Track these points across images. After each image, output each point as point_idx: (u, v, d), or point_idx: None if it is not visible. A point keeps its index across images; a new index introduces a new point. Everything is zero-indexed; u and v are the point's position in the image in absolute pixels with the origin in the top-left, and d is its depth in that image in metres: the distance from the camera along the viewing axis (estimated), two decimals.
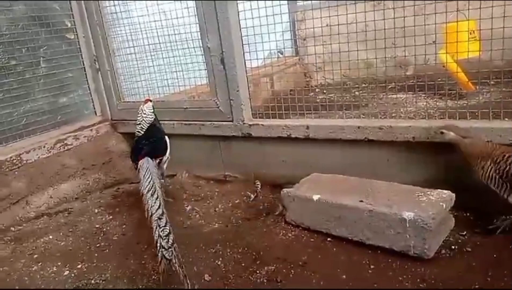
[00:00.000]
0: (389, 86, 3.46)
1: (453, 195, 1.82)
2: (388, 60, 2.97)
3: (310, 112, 2.56)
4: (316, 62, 3.92)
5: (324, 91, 4.06)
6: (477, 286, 1.54)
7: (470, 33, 3.09)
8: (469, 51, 2.91)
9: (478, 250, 1.73)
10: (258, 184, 2.62)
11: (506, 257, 1.68)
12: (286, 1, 4.26)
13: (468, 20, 2.96)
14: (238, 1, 2.49)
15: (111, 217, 2.52)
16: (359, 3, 2.62)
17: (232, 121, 2.60)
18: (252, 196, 2.54)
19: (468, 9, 2.28)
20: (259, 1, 2.54)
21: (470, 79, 3.23)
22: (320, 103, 3.18)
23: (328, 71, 3.92)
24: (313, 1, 3.92)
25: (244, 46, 2.54)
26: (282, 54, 4.58)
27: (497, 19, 2.11)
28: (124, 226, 2.38)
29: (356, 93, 3.93)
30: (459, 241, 1.82)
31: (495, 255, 1.69)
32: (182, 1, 2.71)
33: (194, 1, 2.56)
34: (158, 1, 2.82)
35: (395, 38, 2.48)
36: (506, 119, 2.00)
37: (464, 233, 1.87)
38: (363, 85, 3.88)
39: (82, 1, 2.98)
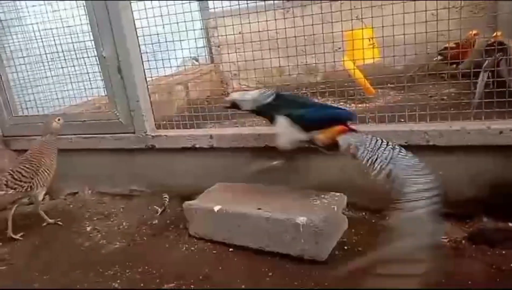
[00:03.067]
0: (300, 92, 3.56)
1: (345, 197, 1.89)
2: (299, 67, 3.06)
3: (218, 121, 2.53)
4: (231, 70, 3.94)
5: None
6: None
7: (369, 40, 3.28)
8: (367, 58, 3.09)
9: (369, 249, 1.80)
10: (165, 197, 2.53)
11: None
12: (198, 8, 4.22)
13: (365, 28, 3.15)
14: (135, 9, 2.40)
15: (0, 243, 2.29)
16: (269, 11, 2.66)
17: (134, 133, 2.49)
18: (160, 210, 2.45)
19: (367, 17, 2.39)
20: None
21: (371, 83, 3.42)
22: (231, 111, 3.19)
23: (244, 78, 3.98)
24: (224, 7, 3.95)
25: (156, 53, 2.45)
26: (197, 61, 4.54)
27: (392, 27, 2.24)
28: (13, 253, 2.17)
29: None
30: (353, 241, 1.88)
31: None
32: (76, 8, 2.56)
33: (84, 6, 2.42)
34: (52, 6, 2.64)
35: (305, 45, 2.55)
36: (402, 120, 2.11)
37: (357, 233, 1.94)
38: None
39: None
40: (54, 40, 2.75)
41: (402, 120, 2.12)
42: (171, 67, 3.16)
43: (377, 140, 1.69)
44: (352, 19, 2.52)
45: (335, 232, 1.82)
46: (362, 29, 3.11)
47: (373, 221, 2.04)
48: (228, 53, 3.99)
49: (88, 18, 2.40)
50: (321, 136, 1.85)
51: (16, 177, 2.23)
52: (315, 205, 1.80)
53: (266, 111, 2.00)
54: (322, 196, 1.88)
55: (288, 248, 1.76)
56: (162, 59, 2.58)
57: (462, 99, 2.28)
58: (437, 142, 1.92)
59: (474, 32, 3.01)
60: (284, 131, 1.91)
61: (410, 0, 2.21)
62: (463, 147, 1.90)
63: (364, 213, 2.12)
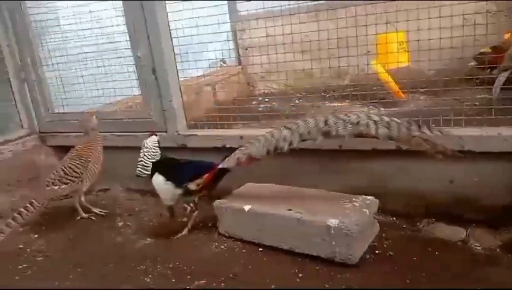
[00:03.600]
0: (328, 95, 3.55)
1: (377, 201, 1.88)
2: (327, 70, 3.06)
3: (248, 122, 2.56)
4: (258, 72, 3.97)
5: (266, 100, 4.11)
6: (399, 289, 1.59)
7: (400, 44, 3.25)
8: (399, 61, 3.07)
9: (400, 254, 1.79)
10: None
11: (426, 259, 1.75)
12: (227, 11, 4.27)
13: (398, 32, 3.12)
14: (174, 8, 2.46)
15: (36, 235, 2.37)
16: (298, 14, 2.67)
17: (166, 132, 2.54)
18: (189, 208, 2.49)
19: (399, 21, 2.38)
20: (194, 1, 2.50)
21: (401, 87, 3.39)
22: (261, 113, 3.21)
23: (271, 80, 4.01)
24: (253, 10, 3.98)
25: (184, 55, 2.50)
26: (225, 63, 4.59)
27: (424, 31, 2.23)
28: (50, 245, 2.25)
29: (296, 101, 4.00)
30: (384, 245, 1.87)
31: (415, 258, 1.76)
32: (112, 8, 2.64)
33: (122, 7, 2.49)
34: (87, 1, 2.72)
35: (332, 48, 2.55)
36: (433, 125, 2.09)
37: (389, 238, 1.93)
38: (304, 94, 3.96)
39: (6, 10, 2.81)
40: (90, 40, 2.85)
41: (434, 125, 2.09)
42: (197, 68, 3.21)
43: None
44: (387, 23, 2.52)
45: (367, 235, 1.81)
46: (396, 32, 3.09)
47: (404, 226, 2.02)
48: (255, 56, 4.03)
49: (124, 19, 2.47)
50: (193, 185, 2.06)
51: (68, 172, 2.35)
52: (346, 208, 1.80)
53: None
54: (353, 199, 1.87)
55: (318, 249, 1.76)
56: (191, 61, 2.63)
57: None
58: (473, 148, 1.89)
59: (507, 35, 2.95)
60: (161, 188, 2.13)
61: None
62: (499, 154, 1.87)
63: (394, 218, 2.10)
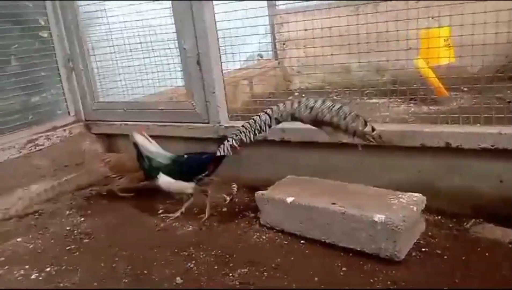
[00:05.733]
0: (366, 91, 3.50)
1: (424, 198, 1.85)
2: (365, 66, 3.01)
3: None
4: (295, 66, 3.96)
5: (303, 95, 4.09)
6: (445, 288, 1.56)
7: (444, 40, 3.17)
8: (442, 57, 2.99)
9: (448, 253, 1.76)
10: (234, 187, 2.61)
11: (474, 259, 1.71)
12: (266, 5, 4.27)
13: (442, 27, 3.04)
14: (214, 2, 2.48)
15: (83, 219, 2.46)
16: (337, 8, 2.64)
17: (208, 123, 2.58)
18: (228, 198, 2.53)
19: (439, 16, 2.33)
20: (238, 1, 2.53)
21: (444, 85, 3.30)
22: None
23: (307, 75, 3.99)
24: (291, 4, 3.96)
25: (222, 48, 2.53)
26: (261, 57, 4.60)
27: (469, 26, 2.16)
28: (95, 228, 2.33)
29: (334, 97, 3.97)
30: (430, 243, 1.84)
31: (463, 258, 1.72)
32: (158, 2, 2.69)
33: (170, 1, 2.53)
34: (134, 1, 2.79)
35: (372, 43, 2.51)
36: (478, 124, 2.04)
37: (435, 236, 1.89)
38: (341, 89, 3.92)
39: (57, 1, 2.92)
40: (134, 32, 2.91)
41: (479, 124, 2.04)
42: (235, 62, 3.22)
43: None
44: (429, 17, 2.45)
45: (413, 233, 1.79)
46: (440, 28, 3.02)
47: (450, 225, 1.98)
48: (293, 49, 4.02)
49: (172, 11, 2.51)
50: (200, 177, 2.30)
51: None
52: (393, 204, 1.78)
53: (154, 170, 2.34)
54: (400, 195, 1.85)
55: (363, 245, 1.76)
56: (227, 54, 2.63)
57: None
58: None
59: None
60: (174, 187, 2.35)
61: None
62: None
63: (439, 217, 2.06)
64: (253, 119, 2.11)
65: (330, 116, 1.90)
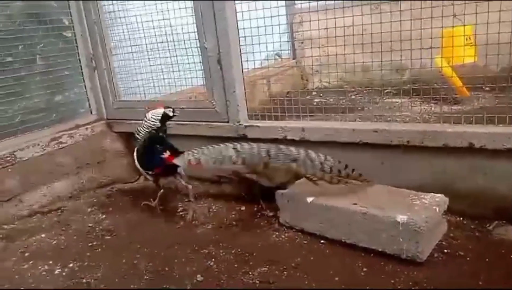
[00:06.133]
0: (385, 91, 3.47)
1: (446, 199, 1.83)
2: (385, 64, 2.98)
3: (306, 114, 2.55)
4: (313, 65, 3.93)
5: (321, 94, 4.08)
6: None
7: (467, 39, 3.11)
8: (465, 56, 2.93)
9: (470, 255, 1.74)
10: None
11: (498, 261, 1.69)
12: (284, 4, 4.26)
13: (465, 25, 2.99)
14: (236, 2, 2.49)
15: (104, 216, 2.51)
16: (356, 7, 2.62)
17: (228, 122, 2.59)
18: (246, 197, 2.54)
19: (464, 14, 2.29)
20: (256, 1, 2.54)
21: (465, 84, 3.25)
22: (316, 106, 3.19)
23: (325, 74, 3.97)
24: (311, 2, 3.93)
25: (241, 47, 2.54)
26: (279, 56, 4.60)
27: (494, 24, 2.12)
28: (116, 225, 2.37)
29: (353, 96, 3.94)
30: (452, 245, 1.82)
31: (487, 260, 1.70)
32: (180, 1, 2.72)
33: (192, 1, 2.56)
34: (156, 0, 2.82)
35: (391, 42, 2.48)
36: (501, 125, 2.00)
37: (457, 237, 1.87)
38: (360, 88, 3.89)
39: (81, 1, 2.98)
40: (155, 31, 2.94)
41: (501, 125, 2.00)
42: (254, 60, 3.22)
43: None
44: (442, 16, 2.40)
45: (435, 234, 1.77)
46: (463, 26, 2.96)
47: (472, 227, 1.95)
48: (313, 48, 3.99)
49: (193, 10, 2.54)
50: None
51: None
52: (415, 205, 1.77)
53: None
54: (422, 196, 1.83)
55: (384, 245, 1.75)
56: (247, 53, 2.64)
57: None
58: None
59: None
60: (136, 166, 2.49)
61: None
62: None
63: (461, 218, 2.03)
64: (221, 148, 2.21)
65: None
